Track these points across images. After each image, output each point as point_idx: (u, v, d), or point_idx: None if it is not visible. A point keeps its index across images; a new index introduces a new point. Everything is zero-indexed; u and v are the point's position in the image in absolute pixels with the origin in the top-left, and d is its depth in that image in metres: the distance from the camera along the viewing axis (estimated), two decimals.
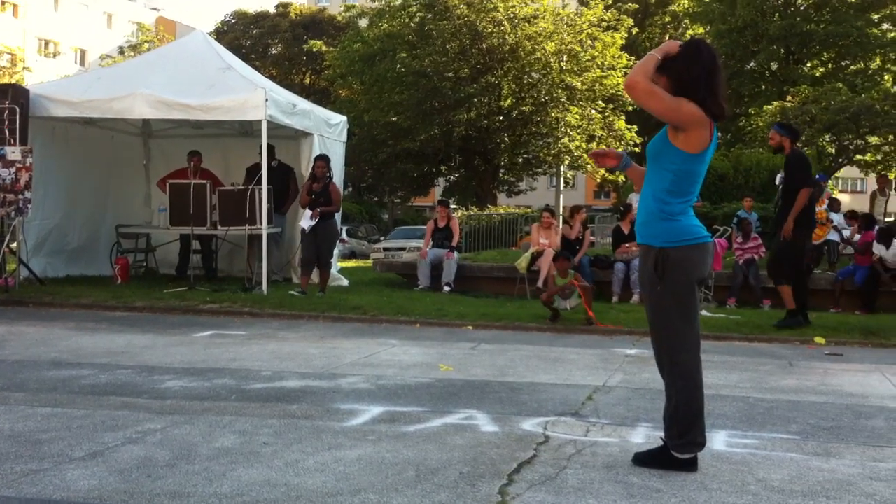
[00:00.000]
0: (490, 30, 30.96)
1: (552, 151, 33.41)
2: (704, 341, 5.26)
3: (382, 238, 35.75)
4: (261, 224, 12.64)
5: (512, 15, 31.13)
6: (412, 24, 32.33)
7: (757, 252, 14.06)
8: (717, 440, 5.26)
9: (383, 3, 34.75)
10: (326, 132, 14.86)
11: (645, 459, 4.59)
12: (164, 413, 5.75)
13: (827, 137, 31.56)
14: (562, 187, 36.55)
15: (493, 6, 30.88)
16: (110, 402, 6.09)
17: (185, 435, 5.17)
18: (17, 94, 12.63)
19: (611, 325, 10.92)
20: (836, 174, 30.67)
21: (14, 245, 12.85)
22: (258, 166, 13.30)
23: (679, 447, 4.50)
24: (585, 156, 32.87)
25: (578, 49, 31.52)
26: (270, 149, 12.96)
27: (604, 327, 10.80)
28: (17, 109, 12.30)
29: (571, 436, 5.28)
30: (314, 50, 38.86)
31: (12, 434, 5.09)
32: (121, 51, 43.37)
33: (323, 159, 12.98)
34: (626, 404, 6.31)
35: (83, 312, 11.19)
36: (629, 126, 32.77)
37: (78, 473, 4.35)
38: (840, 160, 33.92)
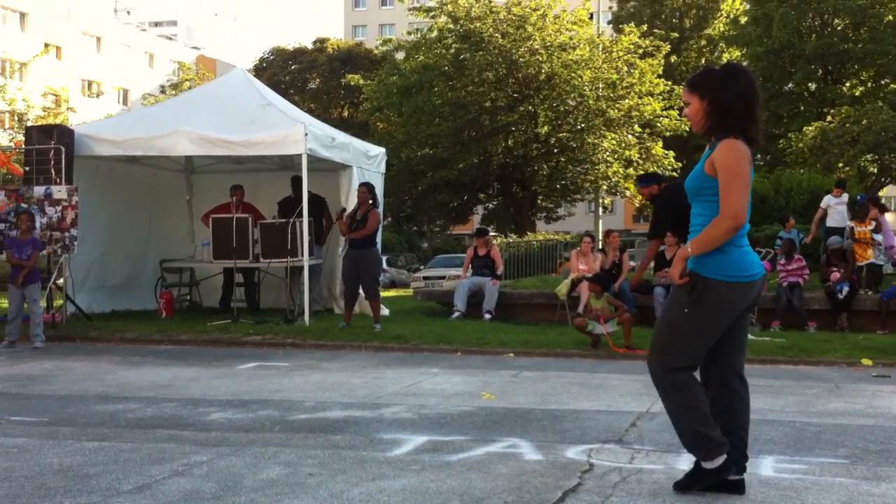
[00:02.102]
0: (526, 59, 31.08)
1: (590, 177, 33.33)
2: (749, 365, 5.20)
3: (422, 267, 35.82)
4: (302, 256, 12.75)
5: (548, 44, 31.22)
6: (448, 56, 32.55)
7: (801, 275, 13.89)
8: (765, 466, 5.20)
9: (419, 35, 35.05)
10: (365, 164, 14.99)
11: (685, 483, 4.54)
12: (209, 445, 5.80)
13: (869, 157, 31.19)
14: (600, 213, 36.43)
15: (527, 35, 31.00)
16: (157, 434, 6.16)
17: (230, 467, 5.21)
18: (62, 135, 12.92)
19: None
20: (880, 193, 30.22)
21: (61, 281, 13.09)
22: (289, 199, 13.43)
23: (703, 457, 4.42)
24: (622, 181, 32.81)
25: (615, 76, 31.50)
26: (299, 181, 13.04)
27: (645, 353, 10.70)
28: (63, 149, 12.58)
29: (616, 463, 5.24)
30: (351, 84, 39.21)
31: (61, 468, 5.17)
32: (162, 90, 44.17)
33: (365, 185, 12.95)
34: (671, 430, 6.20)
35: (129, 346, 11.36)
36: (666, 151, 32.65)
37: None
38: (883, 179, 33.47)
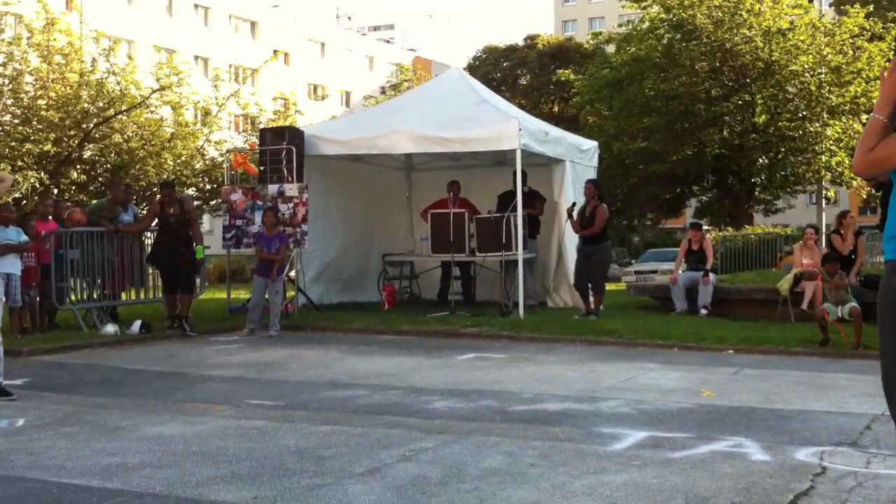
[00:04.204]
0: (741, 46, 29.91)
1: (812, 167, 31.65)
2: None
3: (633, 261, 35.31)
4: (516, 250, 12.92)
5: (765, 30, 29.90)
6: (660, 47, 31.84)
7: None
8: None
9: (630, 27, 34.50)
10: (578, 158, 14.98)
11: None
12: (433, 432, 6.03)
13: None
14: (823, 204, 34.50)
15: (742, 20, 29.81)
16: (384, 420, 6.47)
17: (454, 454, 5.40)
18: (293, 136, 13.71)
19: None
20: None
21: (293, 274, 13.91)
22: (509, 193, 13.61)
23: None
24: (847, 171, 30.89)
25: (839, 61, 29.74)
26: (523, 175, 13.25)
27: (876, 353, 10.08)
28: (294, 150, 13.35)
29: (851, 467, 5.02)
30: (562, 78, 39.08)
31: (297, 450, 5.53)
32: (382, 91, 45.83)
33: (592, 181, 13.27)
34: None
35: (355, 336, 11.92)
36: None
37: (359, 489, 4.66)
38: None
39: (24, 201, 14.69)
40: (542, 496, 4.49)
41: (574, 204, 13.26)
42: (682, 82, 30.58)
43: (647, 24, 32.98)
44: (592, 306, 13.01)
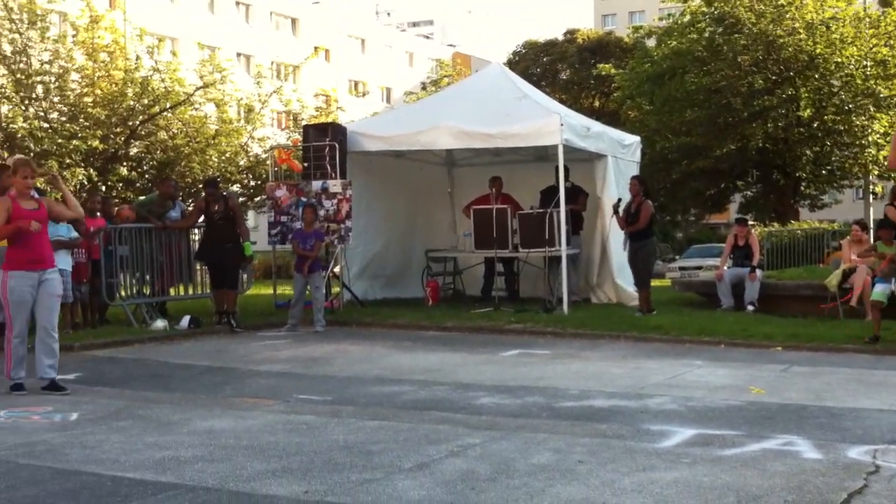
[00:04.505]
0: (785, 39, 29.53)
1: (859, 161, 31.17)
2: None
3: (677, 257, 35.03)
4: (560, 246, 12.88)
5: (809, 22, 29.50)
6: (702, 41, 31.53)
7: None
8: None
9: (671, 21, 34.20)
10: (620, 153, 14.90)
11: None
12: (480, 428, 6.05)
13: None
14: (871, 199, 33.94)
15: (786, 13, 29.43)
16: (431, 416, 6.50)
17: (502, 450, 5.41)
18: (336, 132, 13.79)
19: None
20: None
21: (337, 270, 14.00)
22: (552, 189, 13.58)
23: None
24: None
25: (886, 53, 29.25)
26: (565, 170, 13.22)
27: None
28: (337, 146, 13.42)
29: None
30: (602, 73, 38.85)
31: (346, 445, 5.57)
32: (423, 86, 45.92)
33: (637, 178, 13.34)
34: None
35: (399, 332, 11.95)
36: None
37: (408, 484, 4.69)
38: None
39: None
40: (591, 493, 4.49)
41: (619, 200, 13.21)
42: (724, 76, 30.27)
43: (688, 17, 32.69)
44: (637, 302, 13.01)
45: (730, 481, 4.65)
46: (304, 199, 13.25)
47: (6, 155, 14.04)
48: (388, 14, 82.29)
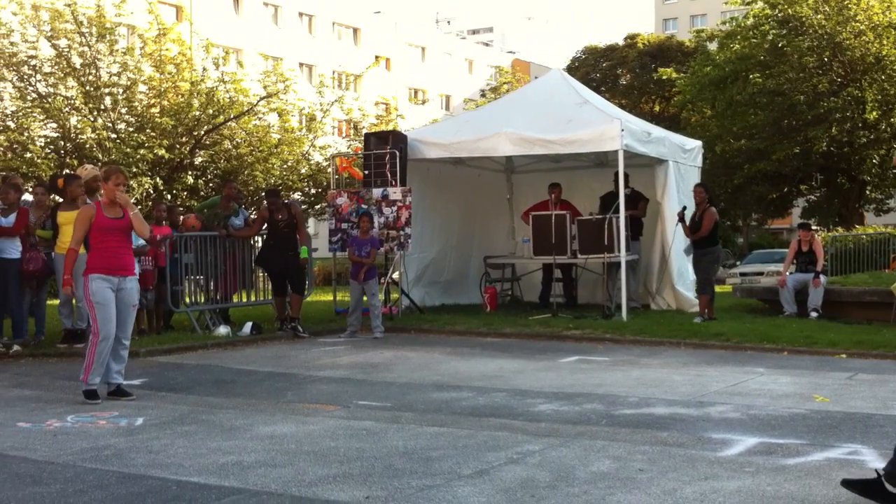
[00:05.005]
0: (851, 41, 28.96)
1: None
2: None
3: (738, 263, 34.54)
4: (619, 252, 12.81)
5: (875, 24, 28.89)
6: (765, 44, 31.08)
7: None
8: None
9: (734, 24, 33.78)
10: (681, 158, 14.76)
11: (853, 483, 4.34)
12: (539, 435, 6.04)
13: None
14: None
15: (852, 15, 28.86)
16: (490, 423, 6.51)
17: (561, 457, 5.41)
18: (396, 140, 13.90)
19: None
20: None
21: (396, 276, 14.09)
22: (611, 194, 13.51)
23: None
24: None
25: None
26: (625, 176, 13.14)
27: None
28: (398, 153, 13.53)
29: None
30: (663, 77, 38.52)
31: (406, 451, 5.61)
32: (482, 94, 45.99)
33: (702, 185, 13.31)
34: None
35: (458, 338, 11.99)
36: None
37: (468, 490, 4.71)
38: None
39: (140, 206, 15.25)
40: (652, 501, 4.47)
41: (685, 208, 13.08)
42: (788, 78, 29.81)
43: (751, 20, 32.27)
44: (697, 308, 12.89)
45: (794, 491, 4.59)
46: (363, 206, 13.37)
47: (75, 164, 14.40)
48: (448, 22, 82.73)
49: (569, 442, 5.82)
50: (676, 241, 13.48)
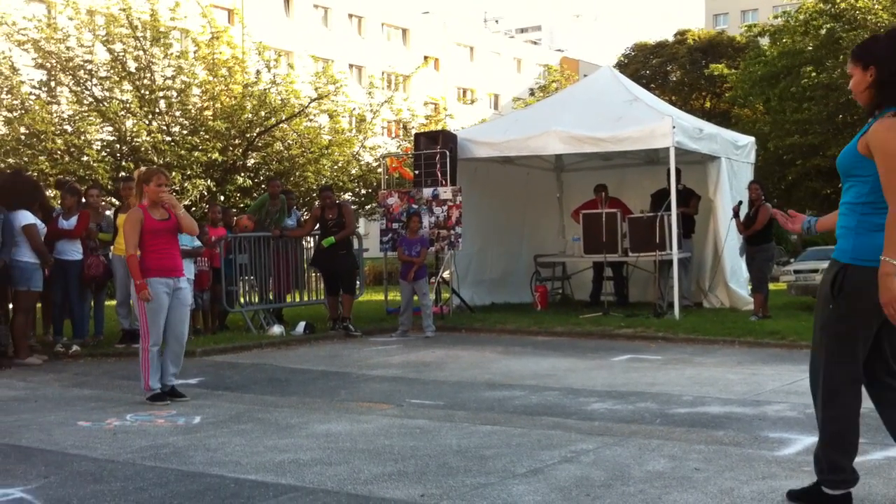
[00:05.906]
0: None
1: None
2: None
3: (792, 260, 34.00)
4: (671, 249, 12.71)
5: None
6: (819, 38, 30.58)
7: None
8: None
9: (785, 19, 33.30)
10: (733, 154, 14.60)
11: (798, 496, 4.30)
12: (593, 434, 6.02)
13: None
14: None
15: None
16: (543, 421, 6.50)
17: (616, 456, 5.38)
18: (446, 140, 13.94)
19: None
20: None
21: (447, 275, 14.14)
22: (663, 192, 13.41)
23: (830, 483, 4.15)
24: None
25: None
26: (677, 173, 13.03)
27: None
28: (448, 153, 13.57)
29: None
30: (714, 73, 38.06)
31: (460, 449, 5.63)
32: (531, 92, 45.86)
33: (757, 182, 13.24)
34: None
35: (509, 337, 12.00)
36: None
37: (522, 489, 4.71)
38: None
39: (194, 208, 15.49)
40: (709, 501, 4.43)
41: (741, 202, 12.93)
42: (843, 72, 29.32)
43: (803, 14, 31.78)
44: (751, 306, 12.76)
45: (854, 490, 4.51)
46: (414, 206, 13.43)
47: (131, 167, 14.66)
48: (497, 21, 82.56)
49: (623, 441, 5.79)
50: (730, 238, 13.34)
